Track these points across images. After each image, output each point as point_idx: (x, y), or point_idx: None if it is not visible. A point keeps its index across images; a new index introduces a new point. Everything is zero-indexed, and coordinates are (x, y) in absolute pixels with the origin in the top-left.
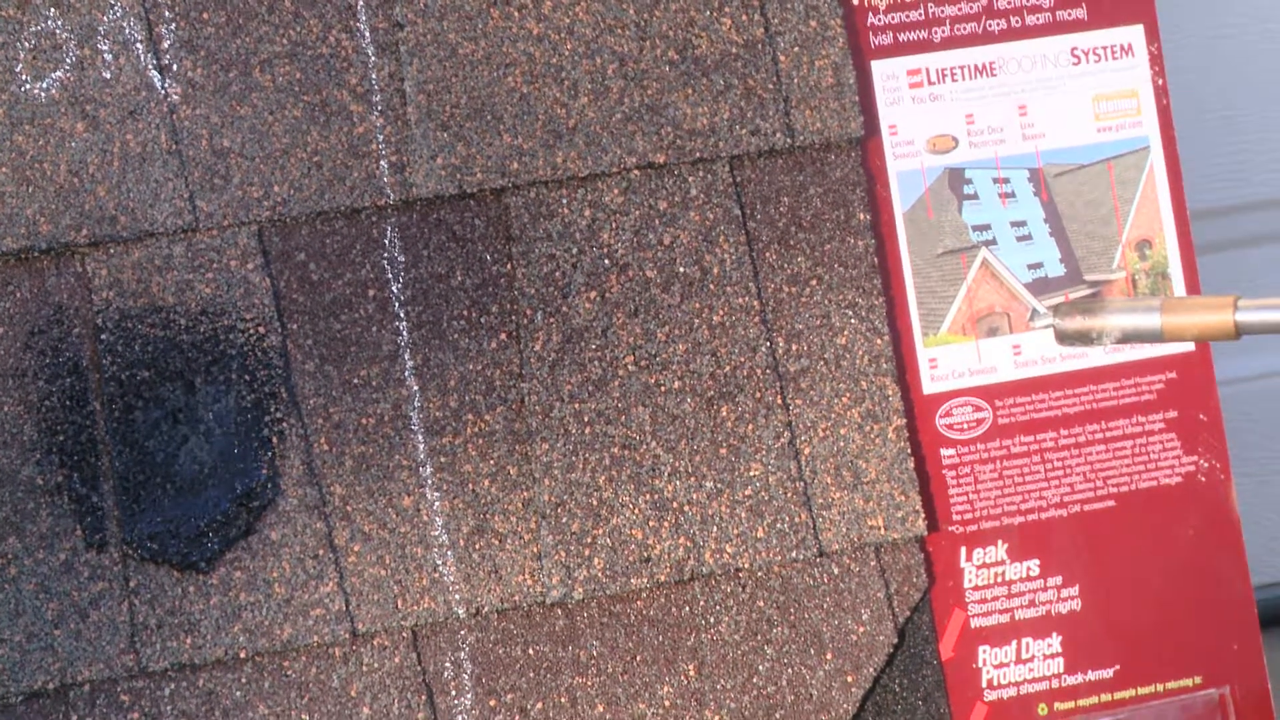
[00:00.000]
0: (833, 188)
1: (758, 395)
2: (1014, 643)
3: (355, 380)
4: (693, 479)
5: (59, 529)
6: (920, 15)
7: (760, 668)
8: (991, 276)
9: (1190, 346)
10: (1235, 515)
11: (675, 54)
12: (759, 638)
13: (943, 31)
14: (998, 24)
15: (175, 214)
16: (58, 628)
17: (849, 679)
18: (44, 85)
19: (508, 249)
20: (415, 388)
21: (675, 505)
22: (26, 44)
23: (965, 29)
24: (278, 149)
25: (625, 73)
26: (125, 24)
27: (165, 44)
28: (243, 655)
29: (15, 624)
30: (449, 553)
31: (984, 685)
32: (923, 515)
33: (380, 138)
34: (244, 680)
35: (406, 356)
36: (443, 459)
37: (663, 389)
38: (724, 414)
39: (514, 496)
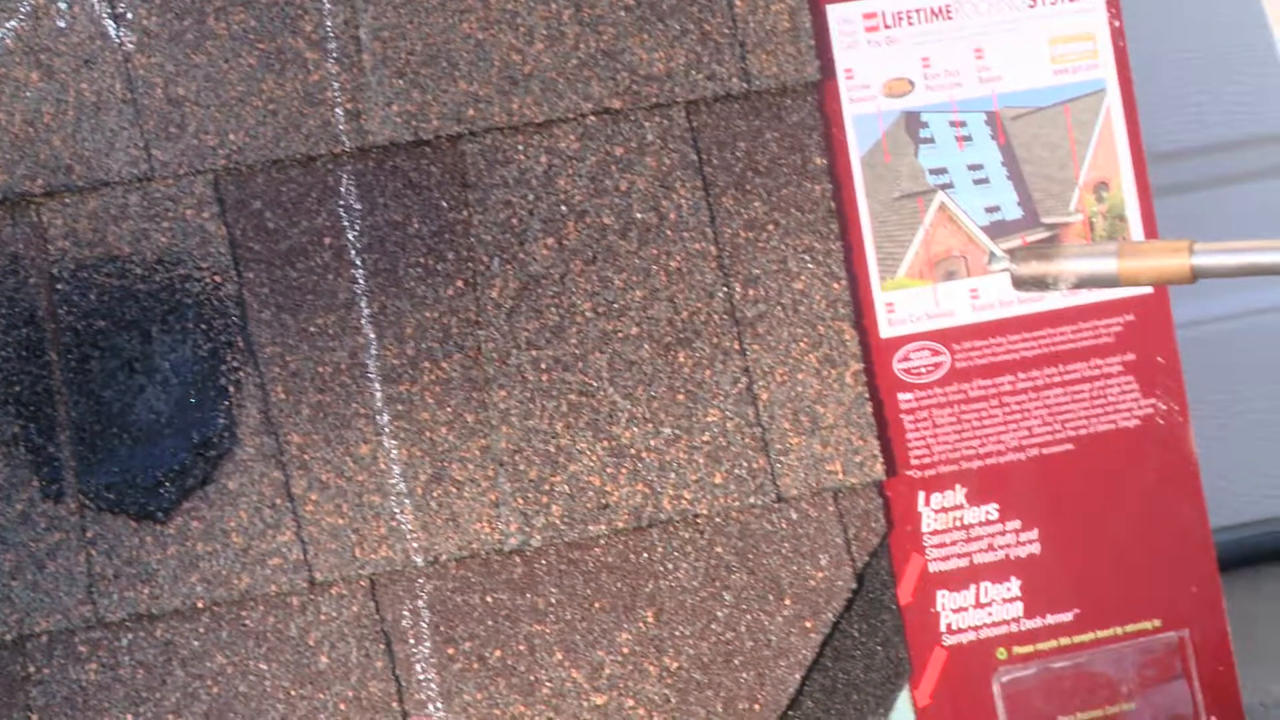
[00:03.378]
0: (789, 132)
1: (715, 341)
2: (972, 587)
3: (312, 329)
4: (650, 425)
5: (15, 479)
6: None
7: (719, 614)
8: (949, 220)
9: (1148, 290)
10: (1193, 458)
11: None
12: (717, 584)
13: None
14: None
15: (130, 163)
16: (14, 579)
17: (807, 624)
18: None
19: (464, 196)
20: (372, 336)
21: (633, 452)
22: None
23: None
24: (233, 97)
25: (580, 18)
26: None
27: None
28: (200, 605)
29: None
30: (406, 501)
31: (943, 630)
32: (881, 460)
33: (335, 85)
34: (202, 630)
35: (363, 304)
36: (400, 407)
37: (620, 335)
38: (681, 360)
39: (471, 444)
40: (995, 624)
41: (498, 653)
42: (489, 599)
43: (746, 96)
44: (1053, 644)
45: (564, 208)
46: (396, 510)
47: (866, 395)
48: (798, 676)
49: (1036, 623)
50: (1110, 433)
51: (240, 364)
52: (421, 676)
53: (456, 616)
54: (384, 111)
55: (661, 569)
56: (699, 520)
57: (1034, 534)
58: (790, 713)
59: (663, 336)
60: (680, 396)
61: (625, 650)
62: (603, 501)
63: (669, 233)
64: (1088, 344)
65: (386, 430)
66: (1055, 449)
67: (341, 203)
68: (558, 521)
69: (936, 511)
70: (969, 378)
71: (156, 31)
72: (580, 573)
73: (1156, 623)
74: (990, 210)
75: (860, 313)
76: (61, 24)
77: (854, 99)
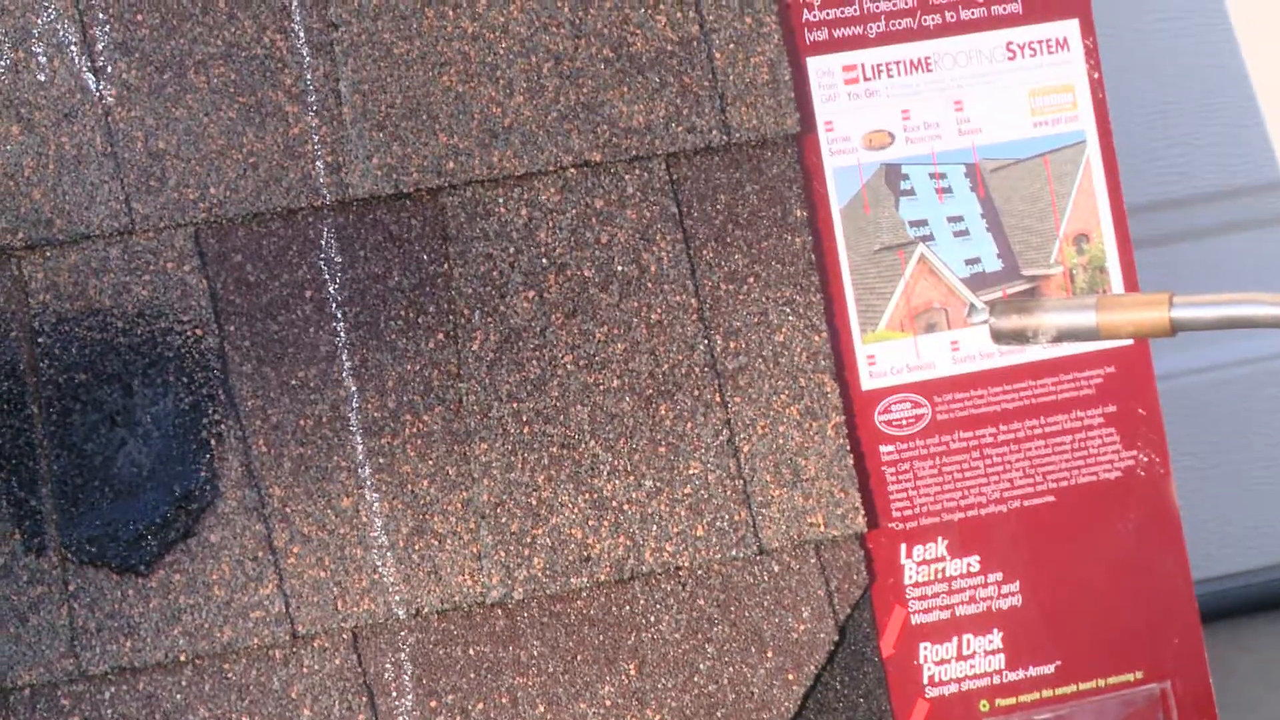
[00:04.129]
0: (769, 185)
1: (696, 393)
2: (955, 639)
3: (293, 381)
4: (632, 478)
5: None
6: (855, 11)
7: (701, 666)
8: (929, 272)
9: (1128, 341)
10: (1175, 509)
11: (610, 52)
12: (700, 636)
13: (878, 27)
14: (933, 19)
15: (111, 216)
16: None
17: (790, 677)
18: None
19: (445, 249)
20: (353, 388)
21: (615, 504)
22: None
23: (900, 24)
24: (213, 150)
25: (561, 71)
26: (59, 26)
27: (100, 46)
28: (183, 658)
29: None
30: (388, 554)
31: (925, 682)
32: (862, 512)
33: (316, 138)
34: (184, 683)
35: (344, 357)
36: (381, 460)
37: (601, 388)
38: (663, 412)
39: (453, 497)
40: (978, 676)
41: (480, 705)
42: (471, 651)
43: (727, 149)
44: (1035, 696)
45: (545, 260)
46: (379, 563)
47: (848, 447)
48: None
49: (1019, 675)
50: (1092, 484)
51: (221, 417)
52: None
53: (439, 669)
54: (364, 164)
55: (644, 621)
56: (681, 572)
57: (1015, 586)
58: None
59: (644, 389)
60: (662, 449)
61: (608, 703)
62: (584, 554)
63: (650, 285)
64: (1069, 396)
65: (368, 483)
66: (1037, 501)
67: (322, 255)
68: (539, 574)
69: (919, 564)
70: (950, 430)
71: (137, 85)
72: (562, 625)
73: (1139, 674)
74: (970, 262)
75: (841, 365)
76: (41, 77)
77: (834, 151)
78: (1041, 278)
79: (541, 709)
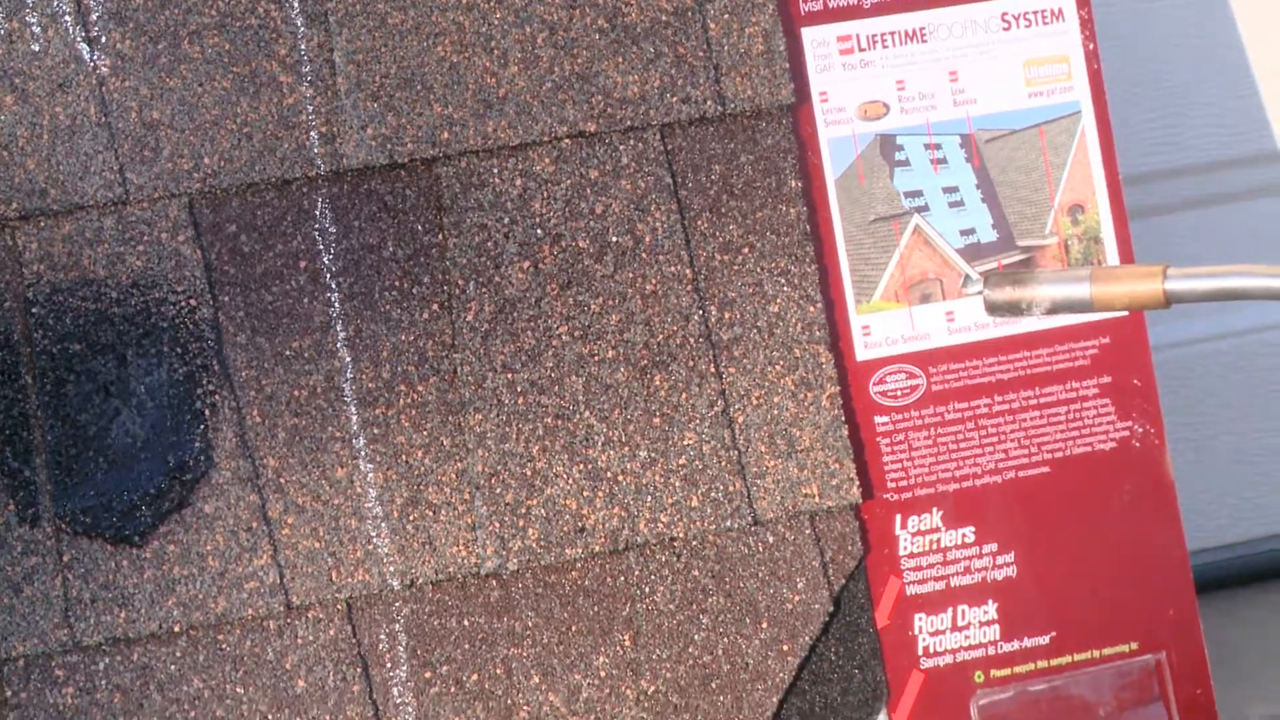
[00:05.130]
0: (764, 155)
1: (691, 364)
2: (949, 610)
3: (287, 352)
4: (627, 448)
5: None
6: None
7: (696, 637)
8: (924, 243)
9: (1124, 313)
10: (1170, 480)
11: (605, 22)
12: (694, 607)
13: None
14: None
15: (105, 186)
16: None
17: (785, 648)
18: None
19: (439, 219)
20: (348, 359)
21: (609, 475)
22: None
23: None
24: (207, 120)
25: (555, 41)
26: None
27: (94, 16)
28: (177, 629)
29: None
30: (383, 524)
31: (920, 653)
32: (857, 483)
33: (310, 108)
34: (179, 654)
35: (339, 328)
36: (376, 430)
37: (596, 359)
38: (657, 383)
39: (448, 467)
40: (972, 647)
41: (475, 676)
42: (466, 622)
43: (721, 119)
44: (1029, 667)
45: (539, 231)
46: (373, 533)
47: (843, 418)
48: (775, 700)
49: (1013, 646)
50: (1086, 455)
51: (216, 387)
52: (399, 700)
53: (433, 640)
54: (359, 135)
55: (638, 592)
56: (676, 543)
57: (1010, 557)
58: None
59: (639, 360)
60: (656, 420)
61: (602, 674)
62: (579, 525)
63: (644, 256)
64: (1064, 367)
65: (363, 454)
66: (1032, 471)
67: (316, 226)
68: (534, 545)
69: (913, 534)
70: (945, 400)
71: (131, 55)
72: (557, 596)
73: (1133, 645)
74: (965, 233)
75: (836, 335)
76: (35, 47)
77: (829, 122)
78: (1036, 248)
79: (536, 679)
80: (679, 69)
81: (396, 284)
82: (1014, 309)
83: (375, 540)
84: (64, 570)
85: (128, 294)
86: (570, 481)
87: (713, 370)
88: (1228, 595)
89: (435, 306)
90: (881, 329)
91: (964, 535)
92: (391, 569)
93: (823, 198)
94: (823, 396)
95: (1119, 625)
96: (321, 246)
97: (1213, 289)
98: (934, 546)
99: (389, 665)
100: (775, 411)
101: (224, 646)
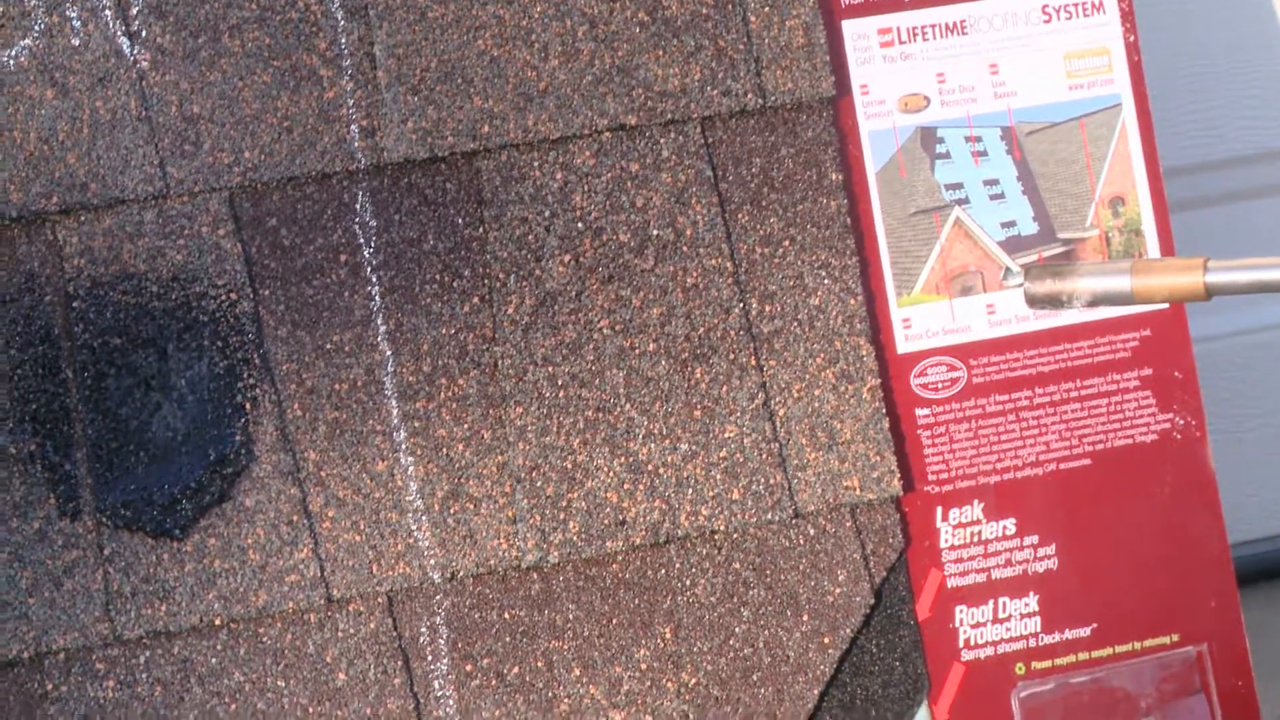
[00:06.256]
0: (805, 148)
1: (732, 357)
2: (990, 602)
3: (328, 346)
4: (667, 441)
5: (32, 497)
6: None
7: (737, 630)
8: (965, 235)
9: (1164, 305)
10: (1211, 472)
11: (645, 15)
12: (735, 600)
13: None
14: None
15: (146, 181)
16: (32, 596)
17: (825, 640)
18: (12, 53)
19: (479, 213)
20: (388, 352)
21: (650, 468)
22: None
23: None
24: (248, 114)
25: (596, 34)
26: None
27: (134, 10)
28: (218, 622)
29: None
30: (424, 517)
31: (961, 645)
32: (898, 475)
33: (350, 102)
34: (219, 647)
35: (379, 321)
36: (416, 424)
37: (637, 352)
38: (698, 376)
39: (488, 460)
40: (1013, 639)
41: (515, 669)
42: (506, 615)
43: (762, 112)
44: (1071, 659)
45: (580, 224)
46: (414, 527)
47: (883, 411)
48: (816, 692)
49: (1055, 638)
50: (1127, 447)
51: (256, 381)
52: (439, 693)
53: (474, 633)
54: (399, 128)
55: (679, 585)
56: (716, 536)
57: (1051, 549)
58: None
59: (680, 353)
60: (697, 413)
61: (643, 666)
62: (620, 518)
63: (685, 249)
64: (1105, 359)
65: (403, 447)
66: (1072, 464)
67: (357, 220)
68: (575, 538)
69: (954, 527)
70: (986, 393)
71: (171, 49)
72: (598, 589)
73: (1175, 637)
74: (1006, 225)
75: (877, 328)
76: (75, 42)
77: (869, 114)
78: (1077, 241)
79: (577, 672)
80: (719, 62)
81: (437, 277)
82: (1055, 301)
83: (416, 533)
84: (105, 564)
85: (168, 288)
86: (611, 474)
87: (753, 363)
88: (1268, 587)
89: (476, 300)
90: (922, 321)
91: (1005, 527)
92: (432, 562)
93: (863, 190)
94: (863, 389)
95: (1160, 617)
96: (362, 240)
97: (1253, 281)
98: (975, 539)
99: (430, 658)
100: (816, 404)
101: (265, 640)
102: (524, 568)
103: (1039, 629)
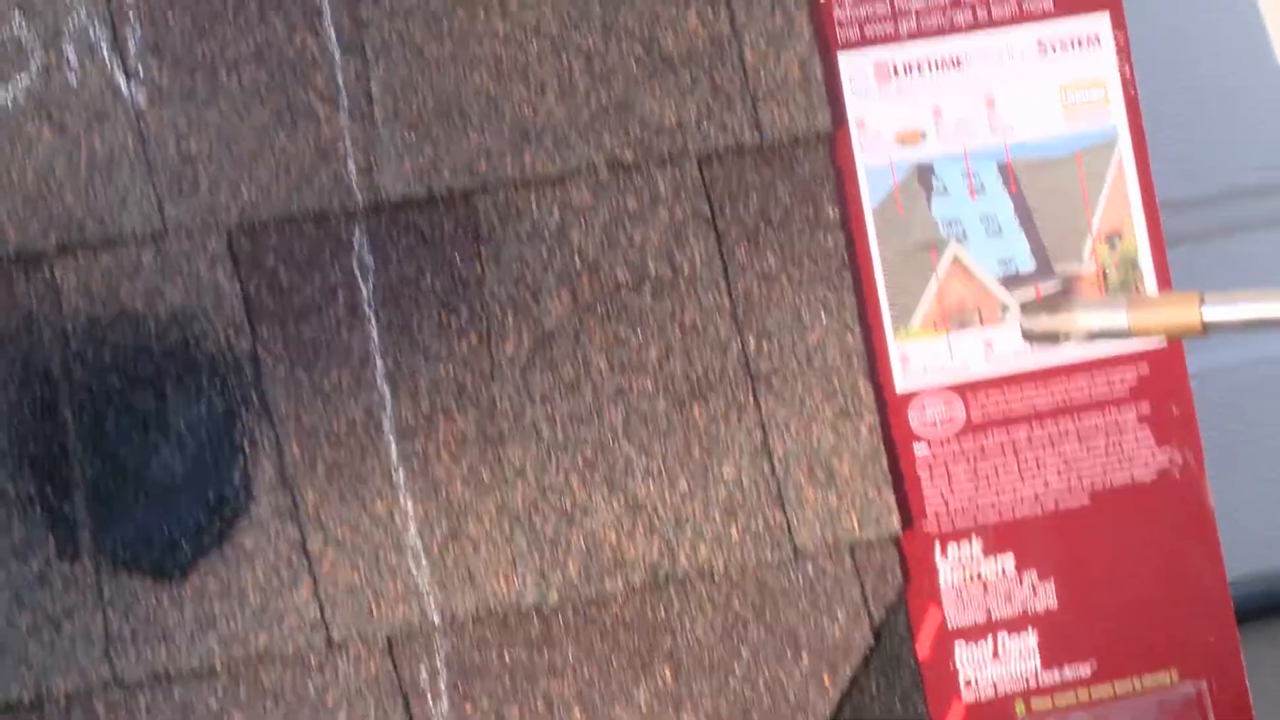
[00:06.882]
0: (801, 184)
1: (730, 395)
2: (990, 640)
3: (326, 385)
4: (666, 480)
5: (31, 539)
6: (886, 8)
7: (736, 669)
8: (962, 271)
9: (1162, 340)
10: (1210, 508)
11: (641, 51)
12: (735, 639)
13: (909, 24)
14: (964, 16)
15: (143, 219)
16: (31, 639)
17: (825, 680)
18: (9, 91)
19: (477, 250)
20: (386, 392)
21: (649, 507)
22: None
23: (931, 21)
24: (245, 152)
25: (592, 71)
26: (91, 28)
27: (131, 48)
28: (218, 664)
29: None
30: (423, 558)
31: (961, 684)
32: (897, 513)
33: (347, 139)
34: (219, 689)
35: (377, 360)
36: (415, 463)
37: (635, 390)
38: (696, 414)
39: (487, 500)
40: (1013, 677)
41: (516, 710)
42: (506, 656)
43: (759, 148)
44: (1071, 698)
45: (578, 261)
46: (413, 568)
47: (882, 448)
48: None
49: (1054, 676)
50: (1126, 484)
51: (255, 421)
52: None
53: (474, 674)
54: (396, 166)
55: (679, 625)
56: (715, 575)
57: (1050, 586)
58: None
59: (677, 391)
60: (696, 451)
61: (643, 707)
62: (619, 557)
63: (683, 286)
64: (1102, 395)
65: (402, 487)
66: (1071, 501)
67: (355, 258)
68: (574, 578)
69: (953, 564)
70: (984, 430)
71: (168, 87)
72: (597, 629)
73: (1174, 673)
74: (1003, 261)
75: (875, 365)
76: (73, 80)
77: (866, 149)
78: (1074, 275)
79: (577, 713)
80: (716, 97)
81: (435, 316)
82: (1051, 338)
83: (415, 574)
84: (104, 606)
85: (166, 327)
86: (610, 514)
87: (752, 401)
88: (1268, 623)
89: (474, 338)
90: (920, 358)
91: (1004, 565)
92: (431, 603)
93: (860, 226)
94: (862, 426)
95: (1159, 653)
96: (360, 279)
97: (1250, 317)
98: (974, 576)
99: (430, 700)
100: (814, 442)
101: (265, 682)
102: (523, 608)
103: (1038, 667)
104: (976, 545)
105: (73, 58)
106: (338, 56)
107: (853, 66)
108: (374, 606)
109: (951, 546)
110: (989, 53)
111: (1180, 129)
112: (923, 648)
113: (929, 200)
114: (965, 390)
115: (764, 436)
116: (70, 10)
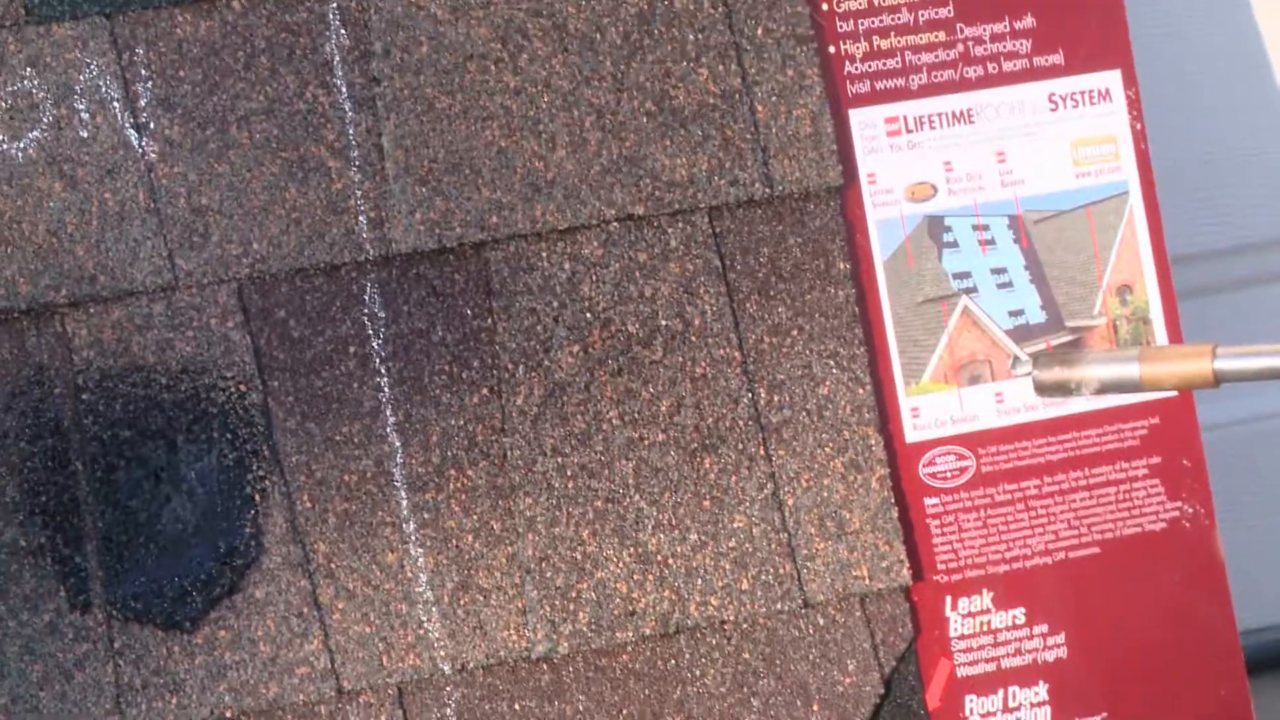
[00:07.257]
0: (812, 237)
1: (740, 447)
2: (1000, 692)
3: (337, 437)
4: (677, 531)
5: (42, 590)
6: (897, 63)
7: None
8: (972, 324)
9: (1173, 393)
10: (1220, 560)
11: (653, 105)
12: (745, 690)
13: (920, 79)
14: (975, 71)
15: (154, 272)
16: (43, 690)
17: None
18: (21, 145)
19: (488, 303)
20: (397, 444)
21: (659, 558)
22: (2, 104)
23: (942, 76)
24: (256, 206)
25: (603, 124)
26: (102, 82)
27: (142, 102)
28: (229, 715)
29: (0, 687)
30: (434, 609)
31: None
32: (907, 565)
33: (358, 193)
34: None
35: (388, 412)
36: (426, 515)
37: (646, 442)
38: (707, 466)
39: (498, 551)
40: None
41: None
42: (517, 706)
43: (769, 202)
44: None
45: (589, 315)
46: (424, 618)
47: (892, 500)
48: None
49: None
50: (1136, 536)
51: (266, 473)
52: None
53: None
54: (407, 219)
55: (689, 675)
56: (726, 626)
57: (1061, 638)
58: None
59: (689, 443)
60: (706, 503)
61: None
62: (630, 608)
63: (694, 339)
64: (1113, 447)
65: (413, 538)
66: (1081, 552)
67: (366, 311)
68: (585, 629)
69: (964, 616)
70: (995, 482)
71: (179, 141)
72: (608, 680)
73: None
74: (1014, 314)
75: (885, 417)
76: (84, 134)
77: (877, 203)
78: (1085, 329)
79: None
80: (727, 151)
81: (446, 368)
82: (1063, 390)
83: (426, 625)
84: (115, 657)
85: (177, 380)
86: (620, 565)
87: (762, 453)
88: (1278, 675)
89: (485, 391)
90: (930, 410)
91: (1014, 616)
92: (442, 653)
93: (871, 279)
94: (872, 478)
95: (1170, 705)
96: (371, 331)
97: (1262, 368)
98: (985, 628)
99: None
100: (825, 494)
101: None
102: (534, 659)
103: (1049, 718)
104: (987, 597)
105: (84, 112)
106: (349, 110)
107: (863, 121)
108: (384, 657)
109: (963, 599)
110: (1000, 107)
111: (1191, 183)
112: (933, 698)
113: (940, 254)
114: (975, 442)
115: (775, 488)
116: (82, 65)
